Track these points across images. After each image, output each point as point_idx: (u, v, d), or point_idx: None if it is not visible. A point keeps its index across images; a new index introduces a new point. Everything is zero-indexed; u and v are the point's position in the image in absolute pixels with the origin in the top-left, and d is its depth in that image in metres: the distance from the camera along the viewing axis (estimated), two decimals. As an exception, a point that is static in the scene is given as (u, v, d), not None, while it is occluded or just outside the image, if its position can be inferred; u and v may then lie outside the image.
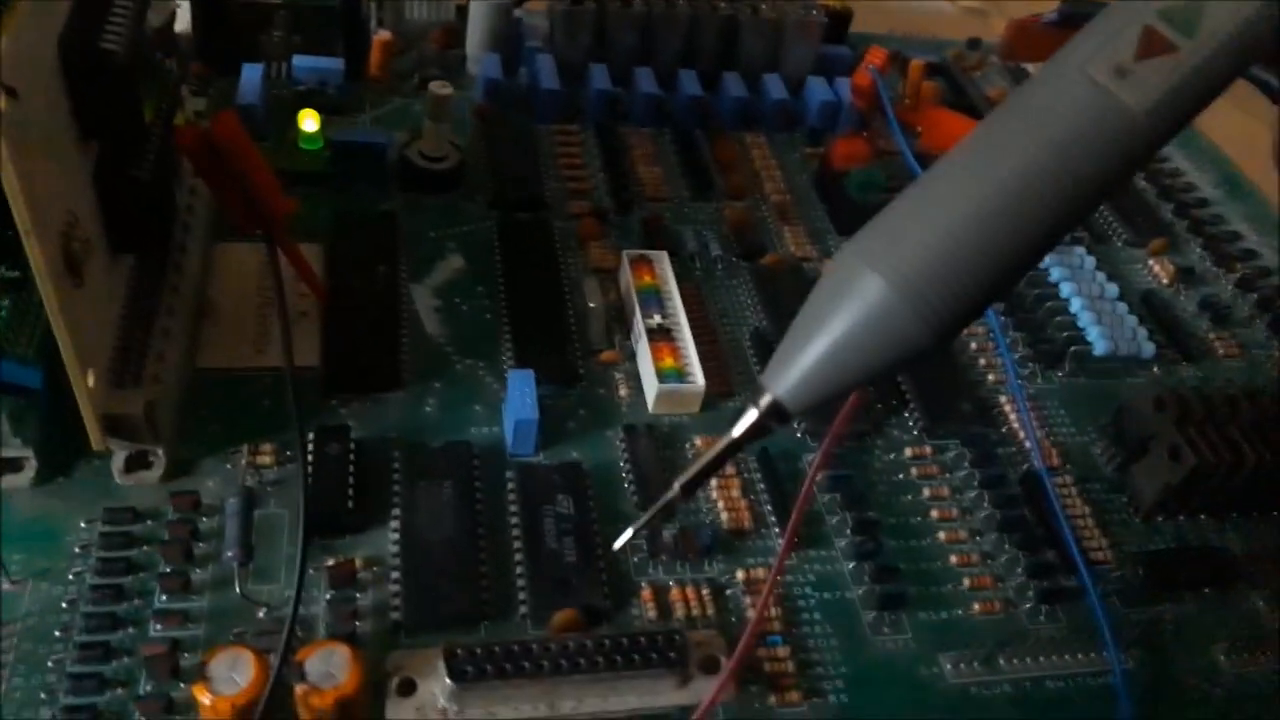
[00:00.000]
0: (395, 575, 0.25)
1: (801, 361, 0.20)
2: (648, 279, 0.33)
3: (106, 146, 0.24)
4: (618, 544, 0.22)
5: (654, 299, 0.32)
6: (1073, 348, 0.35)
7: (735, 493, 0.29)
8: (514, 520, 0.27)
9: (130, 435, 0.25)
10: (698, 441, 0.30)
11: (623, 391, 0.31)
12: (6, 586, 0.24)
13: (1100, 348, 0.35)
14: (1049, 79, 0.20)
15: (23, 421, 0.25)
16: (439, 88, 0.34)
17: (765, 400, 0.20)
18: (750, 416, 0.21)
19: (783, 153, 0.41)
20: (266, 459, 0.27)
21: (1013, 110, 0.20)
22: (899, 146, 0.38)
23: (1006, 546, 0.29)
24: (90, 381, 0.23)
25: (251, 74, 0.36)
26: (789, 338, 0.20)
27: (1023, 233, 0.19)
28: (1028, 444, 0.32)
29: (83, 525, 0.25)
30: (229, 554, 0.24)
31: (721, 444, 0.21)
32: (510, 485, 0.28)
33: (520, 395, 0.28)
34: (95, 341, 0.24)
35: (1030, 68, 0.49)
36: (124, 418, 0.25)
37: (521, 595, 0.25)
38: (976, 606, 0.28)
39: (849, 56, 0.44)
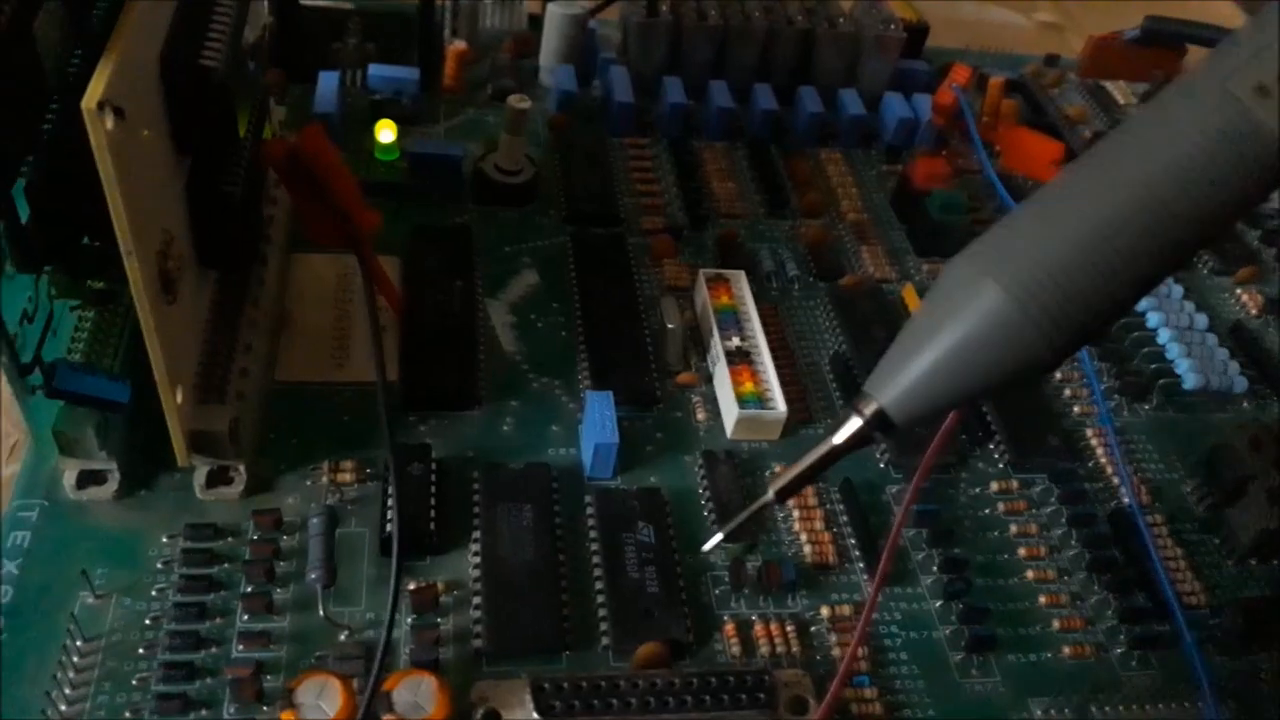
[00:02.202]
0: (476, 600, 0.25)
1: (910, 370, 0.19)
2: (725, 299, 0.32)
3: (200, 162, 0.24)
4: (706, 547, 0.22)
5: (732, 320, 0.32)
6: (1160, 380, 0.34)
7: (818, 525, 0.28)
8: (594, 547, 0.26)
9: (214, 451, 0.25)
10: (777, 468, 0.29)
11: (700, 415, 0.30)
12: (91, 601, 0.24)
13: (1190, 381, 0.34)
14: (1187, 91, 0.19)
15: (108, 434, 0.25)
16: (517, 102, 0.34)
17: (871, 408, 0.20)
18: (853, 424, 0.20)
19: (859, 169, 0.40)
20: (347, 476, 0.27)
21: (1145, 121, 0.19)
22: (982, 167, 0.37)
23: (1096, 587, 0.28)
24: (179, 399, 0.23)
25: (328, 82, 0.36)
26: (897, 345, 0.20)
27: (1148, 252, 0.18)
28: (1116, 480, 0.31)
29: (164, 540, 0.25)
30: (312, 575, 0.24)
31: (820, 450, 0.20)
32: (589, 510, 0.27)
33: (600, 418, 0.28)
34: (183, 357, 0.24)
35: (1109, 85, 0.48)
36: (209, 434, 0.24)
37: (603, 625, 0.25)
38: (1067, 650, 0.27)
39: (926, 72, 0.43)
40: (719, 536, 0.22)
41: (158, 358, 0.22)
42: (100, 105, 0.18)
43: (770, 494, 0.21)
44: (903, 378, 0.19)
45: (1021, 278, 0.18)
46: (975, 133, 0.37)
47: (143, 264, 0.20)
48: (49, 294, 0.24)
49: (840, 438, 0.20)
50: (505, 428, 0.29)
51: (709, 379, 0.31)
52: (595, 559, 0.26)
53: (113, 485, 0.25)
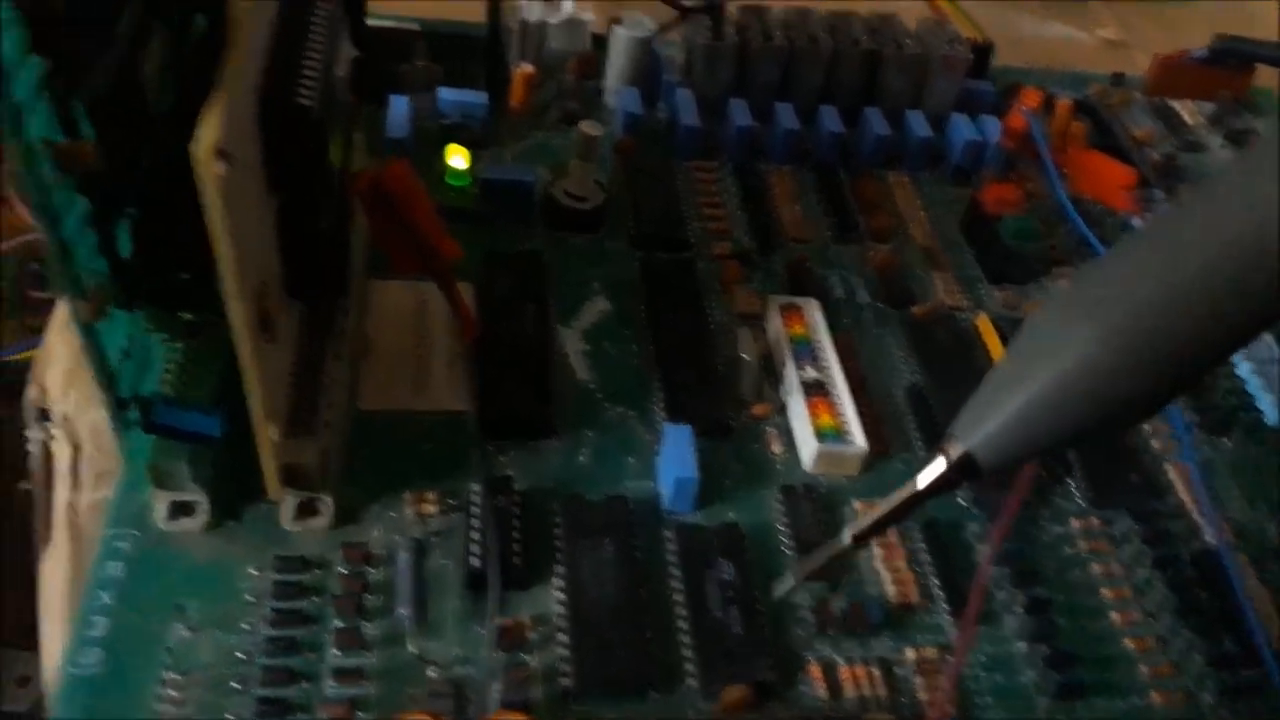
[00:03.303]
0: (562, 638, 0.25)
1: (1000, 413, 0.19)
2: (798, 328, 0.32)
3: (291, 196, 0.24)
4: (777, 593, 0.21)
5: (806, 350, 0.31)
6: (1241, 415, 0.33)
7: (901, 563, 0.28)
8: (676, 584, 0.26)
9: (304, 484, 0.25)
10: (857, 505, 0.29)
11: (777, 448, 0.30)
12: (184, 633, 0.24)
13: (1273, 417, 0.33)
14: None
15: (199, 465, 0.25)
16: (589, 128, 0.34)
17: (957, 452, 0.19)
18: (938, 467, 0.20)
19: (927, 192, 0.40)
20: (430, 507, 0.27)
21: (1247, 168, 0.19)
22: (1054, 192, 0.37)
23: (1183, 631, 0.27)
24: (273, 435, 0.23)
25: (399, 106, 0.36)
26: (985, 387, 0.19)
27: (1249, 299, 0.18)
28: (1200, 519, 0.30)
29: (253, 572, 0.25)
30: (402, 611, 0.24)
31: (903, 494, 0.20)
32: (670, 546, 0.27)
33: (679, 452, 0.28)
34: (276, 392, 0.24)
35: (1176, 105, 0.47)
36: (300, 467, 0.25)
37: (688, 665, 0.25)
38: (1156, 697, 0.26)
39: (991, 92, 0.42)
40: (792, 583, 0.22)
41: (256, 397, 0.22)
42: (211, 152, 0.18)
43: (847, 537, 0.21)
44: (991, 422, 0.19)
45: (1117, 322, 0.18)
46: (1048, 158, 0.37)
47: (245, 306, 0.21)
48: (143, 328, 0.24)
49: (924, 481, 0.20)
50: (582, 458, 0.29)
51: (783, 409, 0.31)
52: (678, 596, 0.26)
53: (202, 517, 0.26)
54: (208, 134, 0.18)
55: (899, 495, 0.20)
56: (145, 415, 0.23)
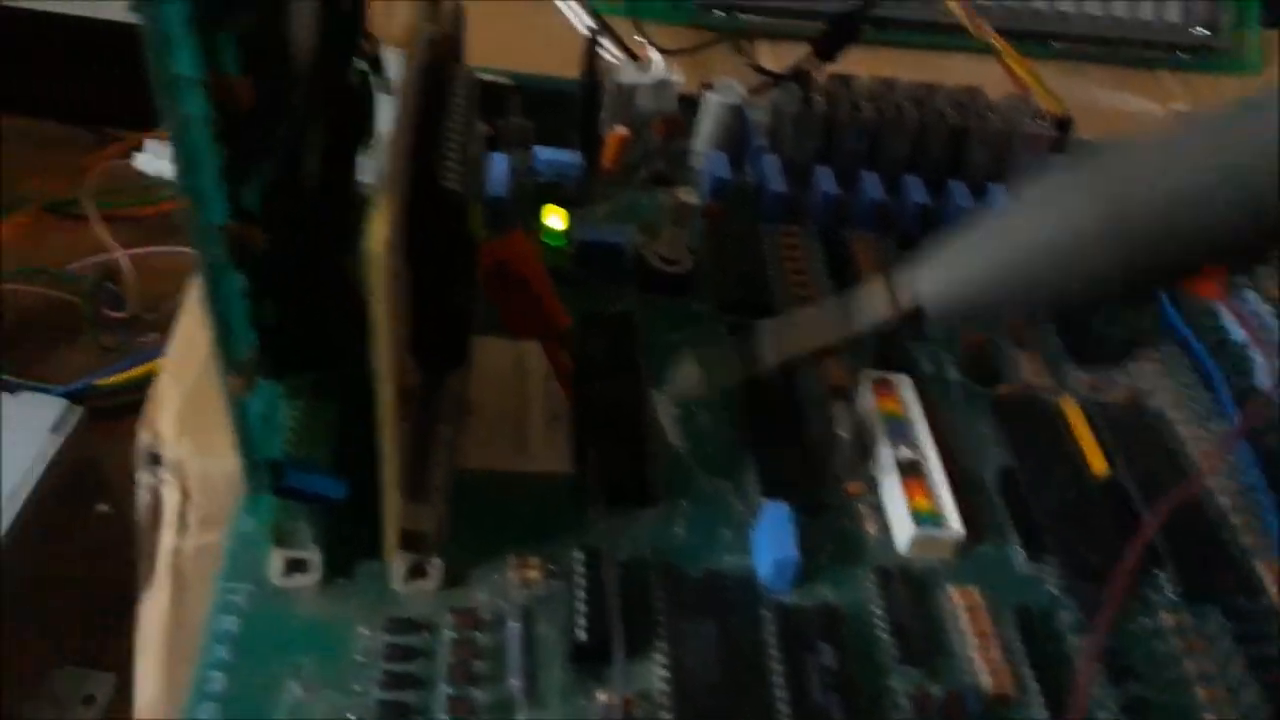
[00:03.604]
0: (666, 716, 0.25)
1: (967, 266, 0.19)
2: (891, 405, 0.32)
3: (426, 271, 0.25)
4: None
5: (900, 428, 0.32)
6: (1330, 510, 0.33)
7: (995, 653, 0.28)
8: (776, 667, 0.26)
9: (419, 548, 0.26)
10: (951, 591, 0.29)
11: (870, 527, 0.30)
12: (299, 693, 0.25)
13: (1364, 515, 0.33)
14: None
15: (316, 524, 0.26)
16: (686, 195, 0.34)
17: (907, 300, 0.19)
18: (882, 309, 0.20)
19: (1010, 269, 0.40)
20: (533, 573, 0.27)
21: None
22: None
23: (1277, 735, 0.27)
24: (398, 503, 0.24)
25: (499, 165, 0.37)
26: (958, 236, 0.20)
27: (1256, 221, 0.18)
28: (1292, 618, 0.30)
29: (364, 632, 0.26)
30: (513, 682, 0.25)
31: (840, 333, 0.20)
32: (769, 627, 0.27)
33: (778, 530, 0.28)
34: (402, 459, 0.25)
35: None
36: (418, 533, 0.25)
37: (790, 751, 0.25)
38: (1251, 802, 0.26)
39: (1074, 168, 0.43)
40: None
41: (390, 467, 0.23)
42: (384, 247, 0.19)
43: (770, 362, 0.21)
44: (955, 273, 0.19)
45: (1122, 206, 0.18)
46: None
47: (392, 385, 0.21)
48: (277, 393, 0.25)
49: (865, 323, 0.20)
50: (678, 529, 0.30)
51: (875, 487, 0.31)
52: (778, 679, 0.26)
53: (315, 574, 0.26)
54: (379, 230, 0.19)
55: (827, 334, 0.20)
56: (276, 478, 0.24)
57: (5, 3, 0.63)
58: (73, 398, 0.43)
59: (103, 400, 0.48)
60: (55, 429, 0.41)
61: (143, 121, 0.64)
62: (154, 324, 0.59)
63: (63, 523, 0.43)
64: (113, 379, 0.48)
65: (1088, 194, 0.18)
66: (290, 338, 0.22)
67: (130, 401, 0.50)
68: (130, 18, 0.61)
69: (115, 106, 0.67)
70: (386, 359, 0.20)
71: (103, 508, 0.46)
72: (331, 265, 0.23)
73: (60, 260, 0.60)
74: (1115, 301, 0.20)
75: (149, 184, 0.63)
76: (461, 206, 0.23)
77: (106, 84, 0.66)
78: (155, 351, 0.52)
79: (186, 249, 0.64)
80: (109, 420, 0.48)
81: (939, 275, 0.19)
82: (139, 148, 0.63)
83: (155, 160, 0.63)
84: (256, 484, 0.23)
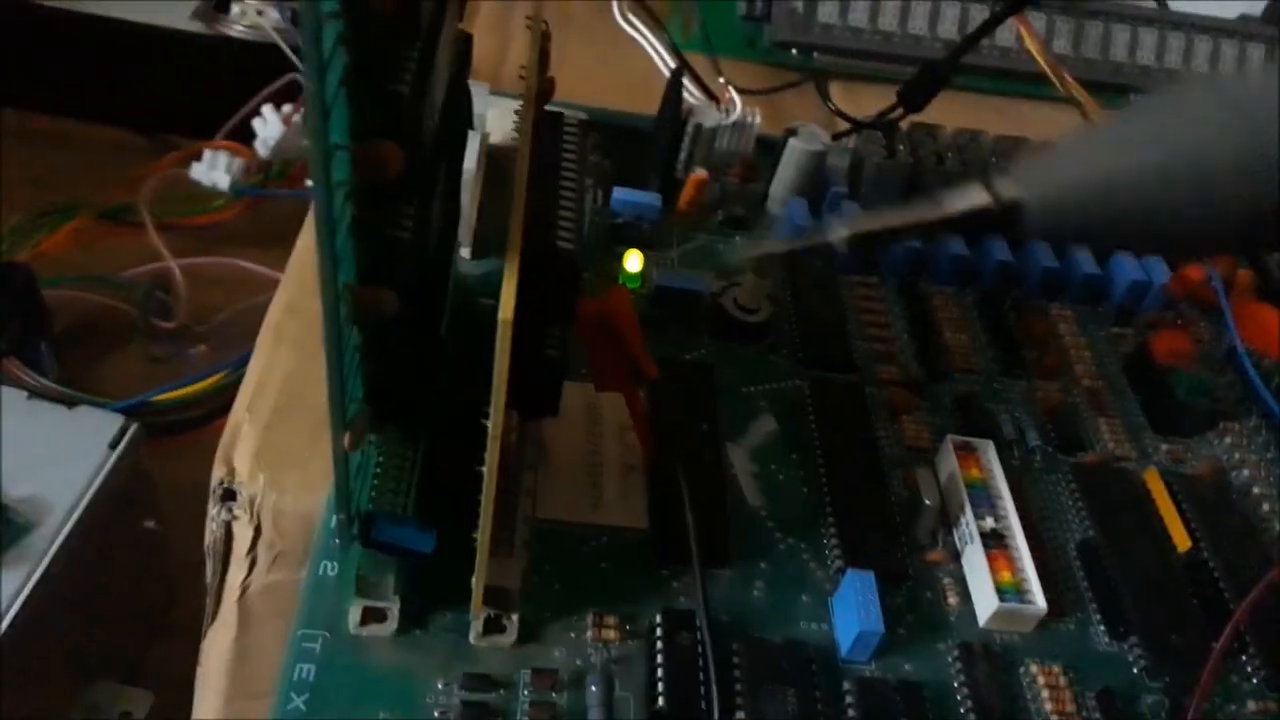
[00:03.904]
0: (749, 793, 0.24)
1: (1078, 172, 0.18)
2: (974, 472, 0.32)
3: (528, 328, 0.24)
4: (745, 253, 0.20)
5: (984, 496, 0.31)
6: None
7: (1080, 737, 0.27)
8: (858, 742, 0.26)
9: (502, 604, 0.25)
10: (1033, 666, 0.28)
11: (952, 599, 0.30)
12: (376, 747, 0.24)
13: None
14: None
15: (400, 575, 0.25)
16: (772, 246, 0.34)
17: (1010, 194, 0.19)
18: (978, 198, 0.19)
19: (1089, 329, 0.39)
20: (610, 633, 0.27)
21: None
22: (1233, 350, 0.36)
23: (1372, 839, 0.26)
24: (487, 557, 0.24)
25: (578, 204, 0.36)
26: (1071, 141, 0.19)
27: None
28: (1381, 712, 0.29)
29: (439, 686, 0.25)
30: (595, 749, 0.24)
31: (928, 214, 0.20)
32: (849, 700, 0.27)
33: (862, 600, 0.27)
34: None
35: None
36: (504, 590, 0.25)
37: (875, 834, 0.24)
38: None
39: (1153, 228, 0.42)
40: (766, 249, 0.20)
41: (487, 525, 0.22)
42: (511, 314, 0.18)
43: (843, 233, 0.20)
44: (1062, 176, 0.18)
45: (1255, 124, 0.17)
46: (1229, 313, 0.37)
47: (499, 445, 0.21)
48: (373, 444, 0.24)
49: (957, 207, 0.19)
50: (756, 592, 0.29)
51: (956, 557, 0.31)
52: (862, 755, 0.26)
53: (393, 624, 0.26)
54: (509, 299, 0.18)
55: (921, 212, 0.20)
56: (365, 530, 0.23)
57: (66, 7, 0.64)
58: (129, 413, 0.42)
59: (156, 415, 0.47)
60: (113, 445, 0.41)
61: (201, 130, 0.64)
62: (203, 335, 0.59)
63: (112, 538, 0.43)
64: (168, 395, 0.47)
65: (1204, 111, 0.17)
66: (394, 392, 0.21)
67: (183, 419, 0.50)
68: (192, 27, 0.62)
69: (174, 115, 0.67)
70: (499, 418, 0.20)
71: (149, 524, 0.46)
72: (434, 316, 0.22)
73: (114, 267, 0.60)
74: (1216, 235, 0.19)
75: (204, 193, 0.64)
76: (575, 268, 0.22)
77: (166, 92, 0.66)
78: (209, 369, 0.52)
79: (238, 260, 0.64)
80: (160, 436, 0.48)
81: (1042, 172, 0.18)
82: (197, 157, 0.63)
83: (211, 170, 0.63)
84: (348, 535, 0.23)
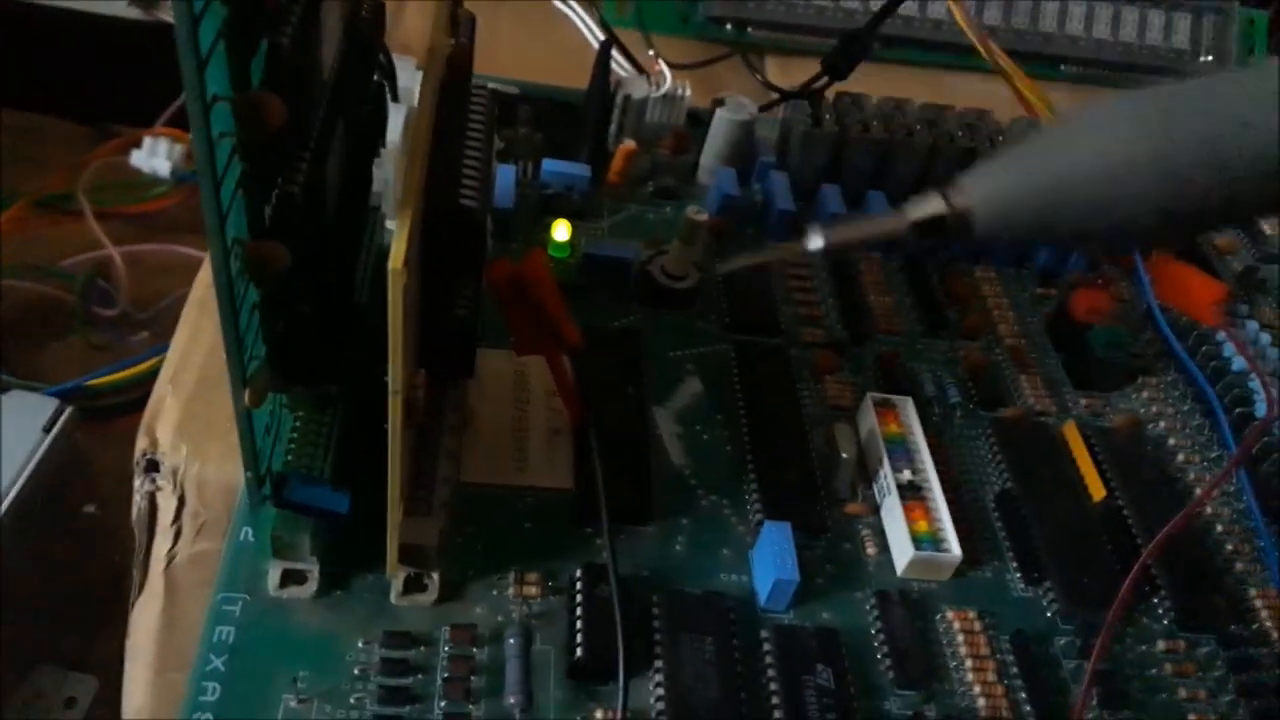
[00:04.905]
0: (664, 737, 0.25)
1: (1022, 183, 0.19)
2: (893, 427, 0.32)
3: (436, 286, 0.24)
4: (723, 268, 0.21)
5: (901, 450, 0.32)
6: (1326, 541, 0.33)
7: (991, 677, 0.28)
8: (773, 687, 0.26)
9: (419, 562, 0.25)
10: (949, 612, 0.29)
11: (870, 549, 0.30)
12: (294, 704, 0.24)
13: (1358, 545, 0.33)
14: None
15: (315, 536, 0.26)
16: (695, 214, 0.34)
17: (962, 205, 0.20)
18: (935, 208, 0.20)
19: (1012, 290, 0.40)
20: (532, 589, 0.27)
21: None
22: (1147, 305, 0.37)
23: (1271, 765, 0.28)
24: (399, 516, 0.24)
25: (505, 176, 0.37)
26: (1016, 151, 0.20)
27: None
28: (1285, 648, 0.30)
29: (360, 645, 0.25)
30: (511, 700, 0.24)
31: (887, 227, 0.21)
32: (766, 647, 0.27)
33: (779, 551, 0.28)
34: (405, 473, 0.25)
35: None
36: (420, 548, 0.25)
37: (787, 773, 0.25)
38: (1244, 833, 0.26)
39: (1076, 192, 0.43)
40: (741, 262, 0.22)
41: (397, 484, 0.22)
42: (403, 265, 0.19)
43: (817, 244, 0.21)
44: (1009, 187, 0.19)
45: (1181, 138, 0.18)
46: (1143, 270, 0.37)
47: (403, 400, 0.21)
48: (281, 404, 0.24)
49: (914, 216, 0.20)
50: (677, 547, 0.29)
51: (875, 509, 0.31)
52: (775, 699, 0.26)
53: (312, 586, 0.26)
54: (399, 249, 0.18)
55: (882, 225, 0.21)
56: (278, 491, 0.23)
57: (4, -4, 0.63)
58: (64, 397, 0.42)
59: (92, 400, 0.47)
60: (46, 429, 0.41)
61: (140, 118, 0.63)
62: (144, 322, 0.58)
63: (49, 523, 0.42)
64: (104, 379, 0.47)
65: (1139, 124, 0.18)
66: (297, 351, 0.22)
67: (119, 403, 0.50)
68: (130, 14, 0.61)
69: (113, 103, 0.66)
70: (399, 373, 0.20)
71: (89, 509, 0.46)
72: (341, 278, 0.23)
73: (53, 256, 0.59)
74: (1152, 236, 0.20)
75: (144, 180, 0.63)
76: (479, 224, 0.23)
77: (105, 80, 0.66)
78: (146, 352, 0.51)
79: (179, 247, 0.63)
80: (98, 421, 0.47)
81: (991, 182, 0.19)
82: (137, 144, 0.62)
83: (151, 157, 0.62)
84: (259, 496, 0.23)
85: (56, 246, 0.59)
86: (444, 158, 0.23)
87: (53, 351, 0.56)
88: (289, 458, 0.25)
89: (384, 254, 0.34)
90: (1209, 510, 0.34)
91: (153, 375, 0.49)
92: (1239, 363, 0.37)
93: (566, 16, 0.46)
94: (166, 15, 0.66)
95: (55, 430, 0.41)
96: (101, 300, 0.58)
